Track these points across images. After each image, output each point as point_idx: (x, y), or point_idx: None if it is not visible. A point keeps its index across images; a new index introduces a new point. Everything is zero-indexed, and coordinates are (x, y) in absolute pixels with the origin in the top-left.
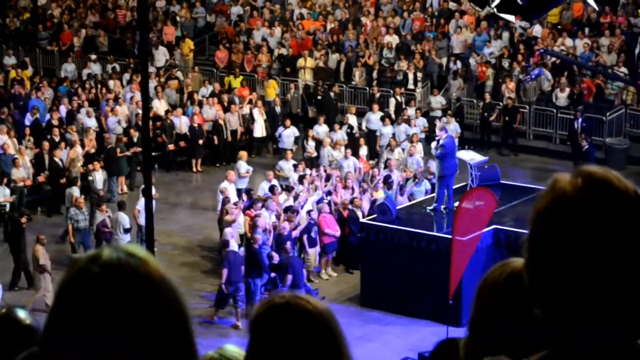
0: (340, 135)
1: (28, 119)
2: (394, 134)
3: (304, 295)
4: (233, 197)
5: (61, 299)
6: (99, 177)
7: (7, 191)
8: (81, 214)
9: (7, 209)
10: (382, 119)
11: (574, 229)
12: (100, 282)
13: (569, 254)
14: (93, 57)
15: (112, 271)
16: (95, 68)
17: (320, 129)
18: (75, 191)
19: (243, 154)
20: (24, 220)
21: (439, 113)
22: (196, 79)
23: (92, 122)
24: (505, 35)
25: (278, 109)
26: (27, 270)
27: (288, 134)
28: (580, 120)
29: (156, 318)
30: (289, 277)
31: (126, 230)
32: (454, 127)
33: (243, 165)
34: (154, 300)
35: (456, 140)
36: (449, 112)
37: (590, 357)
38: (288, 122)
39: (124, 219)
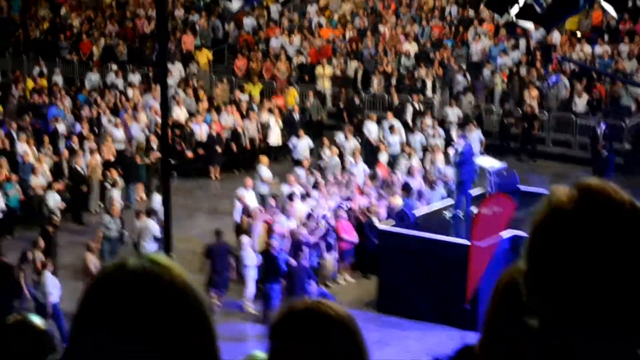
0: (353, 143)
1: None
2: (408, 143)
3: (326, 301)
4: (252, 204)
5: (86, 305)
6: (118, 185)
7: (58, 197)
8: (114, 222)
9: (58, 214)
10: (390, 128)
11: (571, 240)
12: (126, 290)
13: (566, 264)
14: (114, 67)
15: (137, 279)
16: (131, 78)
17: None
18: (116, 193)
19: (264, 158)
20: (51, 229)
21: (454, 125)
22: (225, 90)
23: (119, 132)
24: (523, 42)
25: (297, 116)
26: None
27: (302, 145)
28: (603, 126)
29: (180, 324)
30: (283, 282)
31: (156, 239)
32: (477, 136)
33: (264, 170)
34: (178, 307)
35: (481, 148)
36: (473, 122)
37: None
38: (301, 132)
39: (155, 227)
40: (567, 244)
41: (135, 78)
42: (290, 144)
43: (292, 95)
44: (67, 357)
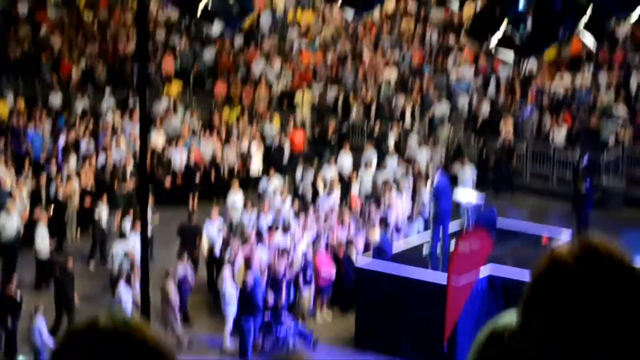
0: (333, 172)
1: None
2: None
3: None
4: (220, 234)
5: None
6: (105, 212)
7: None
8: (126, 262)
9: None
10: (366, 164)
11: (571, 295)
12: (96, 348)
13: (565, 319)
14: (107, 90)
15: (108, 337)
16: (111, 101)
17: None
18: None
19: (235, 183)
20: (70, 262)
21: (423, 164)
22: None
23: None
24: (502, 73)
25: (275, 142)
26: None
27: (272, 187)
28: (585, 160)
29: None
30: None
31: (126, 255)
32: (470, 171)
33: (236, 196)
34: None
35: (472, 183)
36: (463, 157)
37: None
38: (272, 171)
39: (126, 248)
40: (568, 299)
41: (112, 101)
42: (260, 189)
43: (276, 123)
44: None
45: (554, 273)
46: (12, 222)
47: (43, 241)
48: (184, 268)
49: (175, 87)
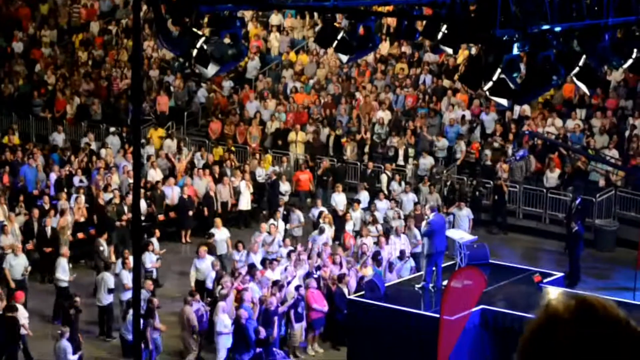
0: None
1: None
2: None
3: None
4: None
5: None
6: (105, 246)
7: (105, 245)
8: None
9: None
10: (352, 202)
11: (564, 347)
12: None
13: None
14: (112, 129)
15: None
16: (115, 140)
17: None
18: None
19: (217, 221)
20: (77, 300)
21: (410, 205)
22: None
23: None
24: (496, 115)
25: (263, 178)
26: None
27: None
28: (578, 201)
29: None
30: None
31: (110, 291)
32: (466, 213)
33: (219, 232)
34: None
35: (469, 225)
36: (460, 199)
37: None
38: (278, 215)
39: (110, 279)
40: (563, 353)
41: (114, 139)
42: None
43: (268, 162)
44: None
45: (550, 327)
46: (20, 261)
47: (64, 272)
48: (197, 302)
49: (158, 134)
